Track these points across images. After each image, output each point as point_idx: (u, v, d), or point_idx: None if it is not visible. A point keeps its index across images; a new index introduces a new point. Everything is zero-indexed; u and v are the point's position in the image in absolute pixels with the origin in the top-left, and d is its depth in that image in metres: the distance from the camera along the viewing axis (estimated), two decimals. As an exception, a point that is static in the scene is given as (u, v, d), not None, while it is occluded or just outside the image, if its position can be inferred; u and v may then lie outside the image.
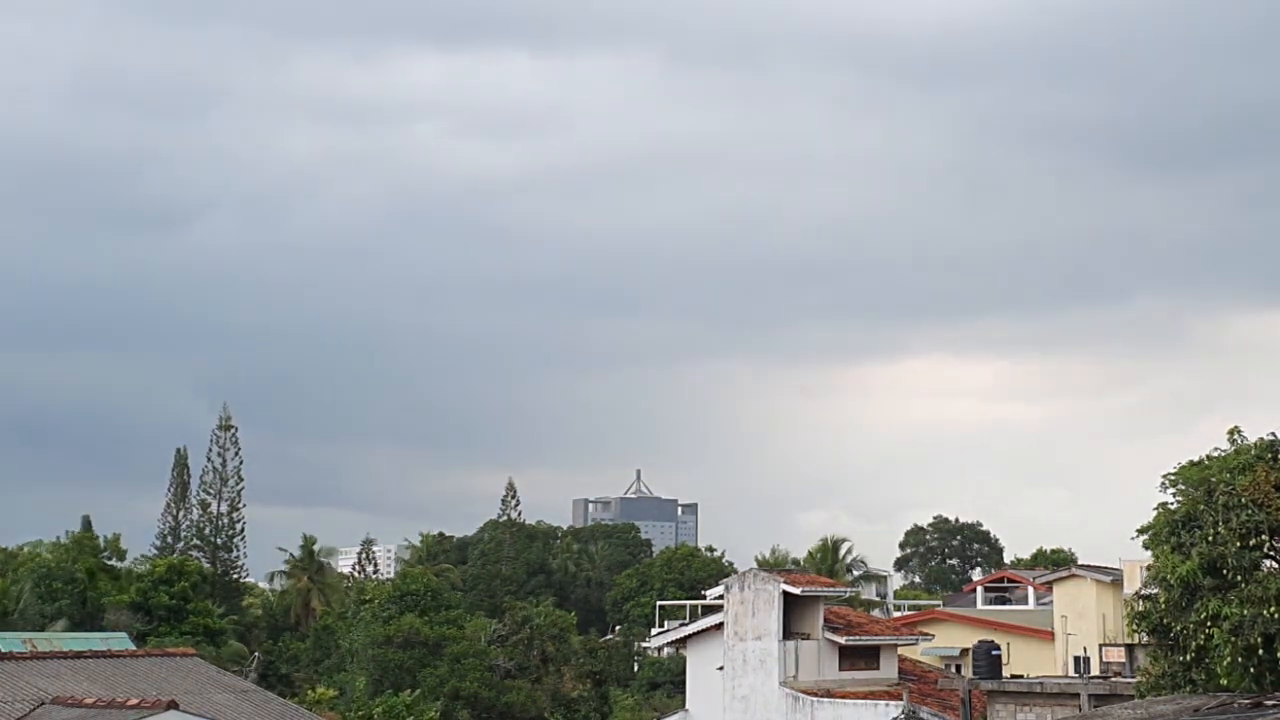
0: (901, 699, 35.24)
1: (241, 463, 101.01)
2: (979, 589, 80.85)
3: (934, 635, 53.25)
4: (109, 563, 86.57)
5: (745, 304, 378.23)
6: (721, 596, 40.12)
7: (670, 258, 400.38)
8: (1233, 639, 23.77)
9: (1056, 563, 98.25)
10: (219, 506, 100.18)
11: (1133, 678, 33.30)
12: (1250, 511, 24.60)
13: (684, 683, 43.87)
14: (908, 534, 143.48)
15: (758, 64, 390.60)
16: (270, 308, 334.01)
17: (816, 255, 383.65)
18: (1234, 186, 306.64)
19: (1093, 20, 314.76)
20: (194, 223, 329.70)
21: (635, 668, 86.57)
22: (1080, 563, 65.15)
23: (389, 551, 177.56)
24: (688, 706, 42.09)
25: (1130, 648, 37.31)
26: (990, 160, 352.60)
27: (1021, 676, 38.47)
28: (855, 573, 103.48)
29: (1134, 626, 27.32)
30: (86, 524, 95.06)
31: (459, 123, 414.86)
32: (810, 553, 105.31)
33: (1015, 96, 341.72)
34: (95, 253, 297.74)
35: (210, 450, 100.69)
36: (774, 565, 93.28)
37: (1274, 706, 21.01)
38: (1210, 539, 24.79)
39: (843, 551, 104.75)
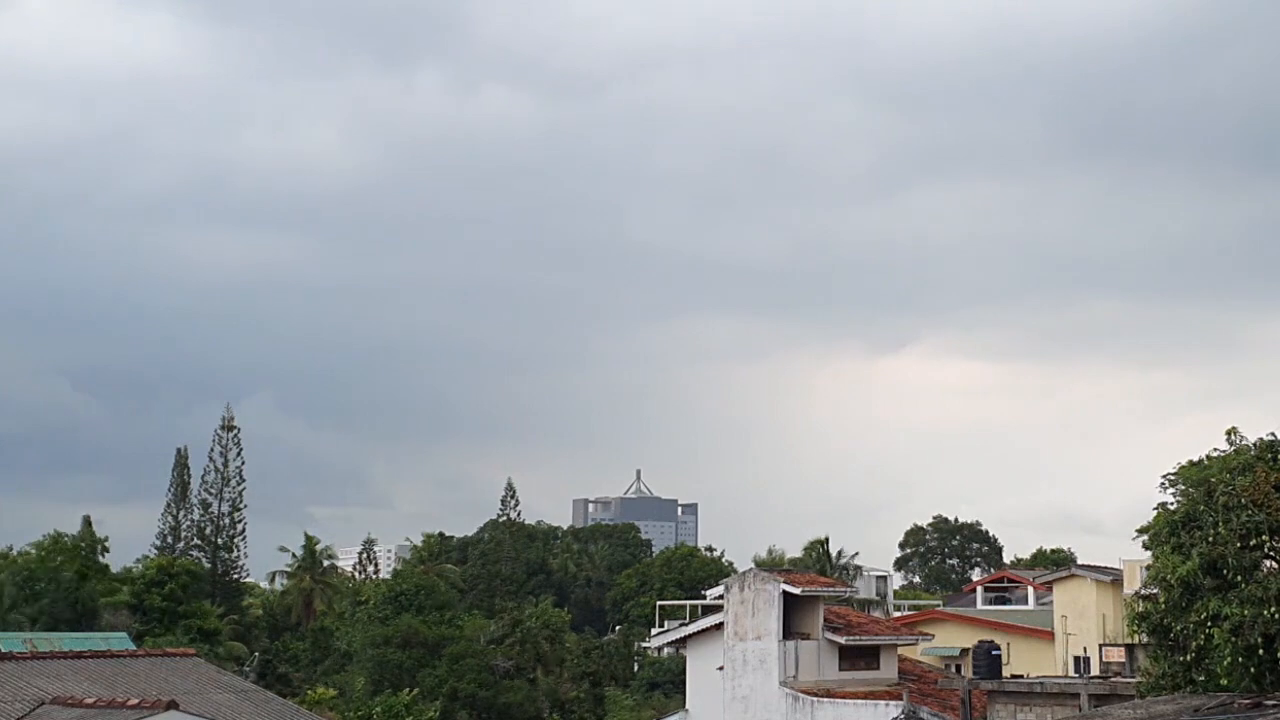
0: (901, 699, 35.24)
1: (243, 463, 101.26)
2: (979, 589, 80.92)
3: (934, 635, 53.26)
4: (101, 561, 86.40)
5: (743, 304, 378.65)
6: (721, 596, 40.11)
7: (670, 259, 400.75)
8: (1233, 639, 23.77)
9: (1056, 563, 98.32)
10: (220, 506, 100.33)
11: (1133, 678, 33.28)
12: (1250, 512, 24.60)
13: (684, 683, 43.87)
14: (908, 534, 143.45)
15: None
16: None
17: (813, 255, 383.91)
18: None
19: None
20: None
21: (635, 668, 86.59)
22: (1080, 563, 65.25)
23: (389, 551, 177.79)
24: (688, 706, 42.09)
25: (1130, 648, 37.28)
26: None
27: (1021, 676, 38.45)
28: (852, 573, 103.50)
29: (1134, 626, 27.30)
30: (86, 524, 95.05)
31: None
32: (805, 550, 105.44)
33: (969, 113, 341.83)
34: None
35: (212, 450, 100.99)
36: (770, 565, 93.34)
37: (1274, 706, 21.02)
38: (1210, 539, 24.78)
39: (835, 551, 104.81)
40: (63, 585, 75.90)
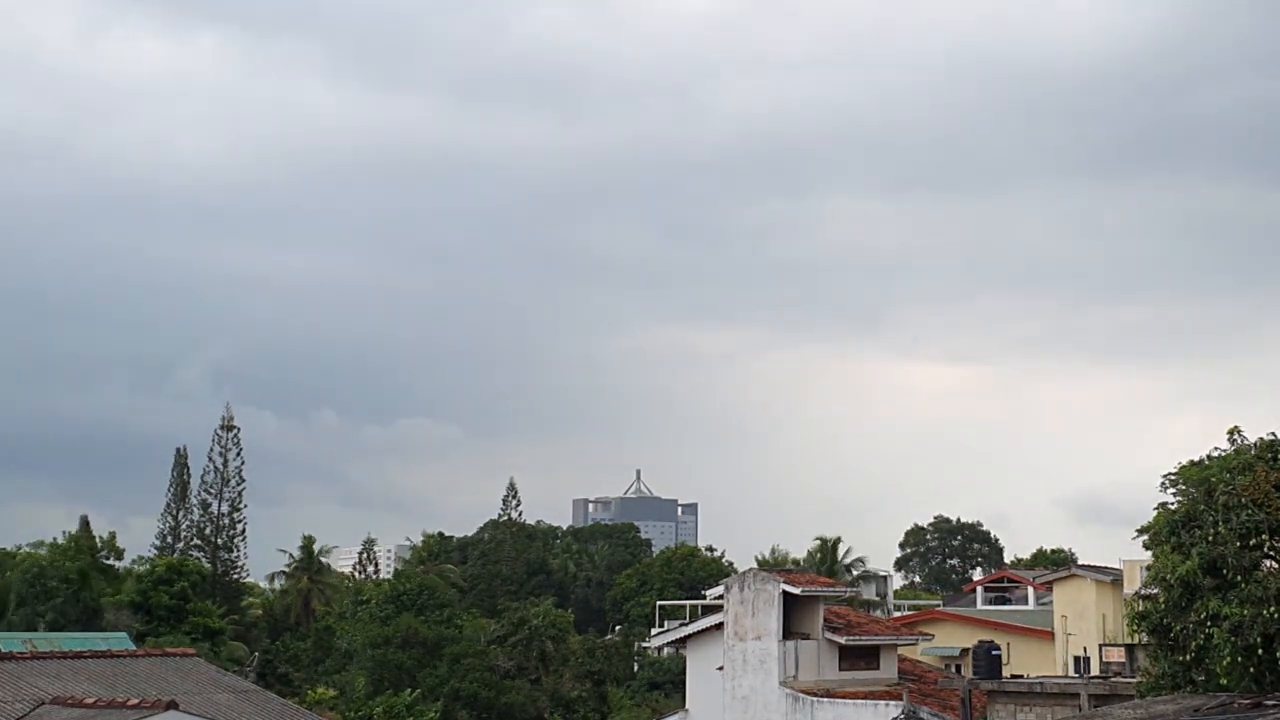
0: (901, 699, 35.22)
1: (243, 463, 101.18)
2: (979, 589, 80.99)
3: (934, 635, 53.29)
4: (106, 562, 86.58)
5: (745, 304, 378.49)
6: (721, 596, 40.09)
7: (668, 262, 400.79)
8: (1233, 639, 23.74)
9: (1056, 563, 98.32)
10: (220, 506, 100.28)
11: (1133, 678, 33.25)
12: (1250, 511, 24.56)
13: (684, 683, 43.87)
14: (908, 534, 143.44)
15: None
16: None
17: (812, 255, 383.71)
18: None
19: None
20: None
21: (635, 668, 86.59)
22: (1080, 562, 65.28)
23: (389, 551, 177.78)
24: (688, 706, 42.08)
25: (1130, 648, 37.26)
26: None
27: (1021, 676, 38.45)
28: (854, 572, 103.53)
29: (1134, 626, 27.26)
30: (85, 524, 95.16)
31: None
32: (809, 552, 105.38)
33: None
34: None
35: (212, 450, 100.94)
36: (774, 565, 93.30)
37: (1274, 706, 21.00)
38: (1210, 539, 24.75)
39: (841, 552, 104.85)
40: (71, 585, 76.16)
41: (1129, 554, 48.13)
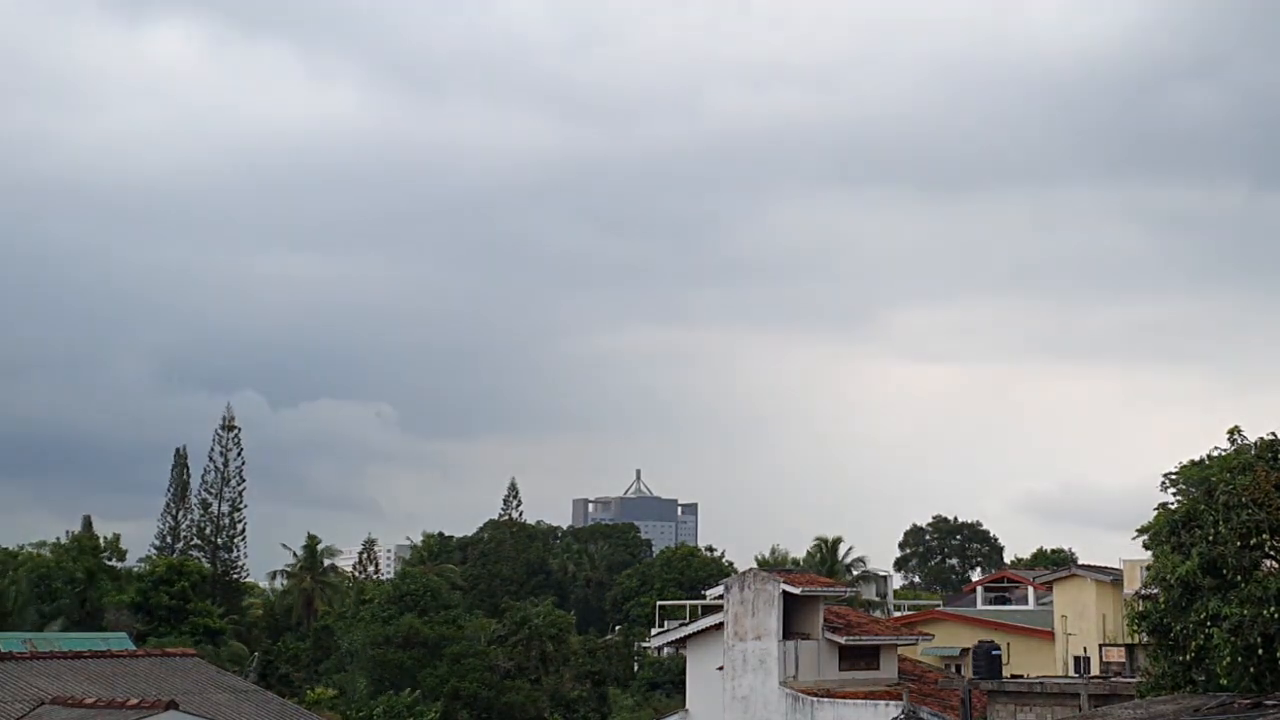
0: (901, 699, 35.22)
1: (243, 463, 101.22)
2: (979, 589, 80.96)
3: (934, 635, 53.29)
4: (109, 563, 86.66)
5: (744, 305, 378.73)
6: (721, 596, 40.10)
7: (667, 262, 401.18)
8: (1233, 639, 23.73)
9: (1056, 563, 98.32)
10: (220, 506, 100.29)
11: (1133, 678, 33.27)
12: (1250, 511, 24.56)
13: (684, 683, 43.88)
14: (907, 534, 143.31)
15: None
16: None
17: (811, 256, 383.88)
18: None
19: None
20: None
21: (635, 668, 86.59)
22: (1080, 562, 65.32)
23: (389, 552, 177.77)
24: (688, 706, 42.09)
25: (1130, 648, 37.30)
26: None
27: (1021, 676, 38.47)
28: (854, 572, 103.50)
29: (1134, 626, 27.28)
30: (87, 524, 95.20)
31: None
32: (809, 552, 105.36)
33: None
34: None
35: (212, 450, 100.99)
36: (774, 565, 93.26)
37: (1274, 706, 21.00)
38: (1210, 539, 24.76)
39: (842, 552, 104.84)
40: (76, 585, 76.24)
41: (1128, 554, 48.22)
